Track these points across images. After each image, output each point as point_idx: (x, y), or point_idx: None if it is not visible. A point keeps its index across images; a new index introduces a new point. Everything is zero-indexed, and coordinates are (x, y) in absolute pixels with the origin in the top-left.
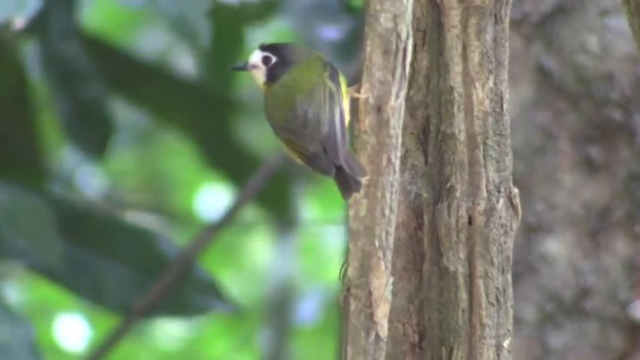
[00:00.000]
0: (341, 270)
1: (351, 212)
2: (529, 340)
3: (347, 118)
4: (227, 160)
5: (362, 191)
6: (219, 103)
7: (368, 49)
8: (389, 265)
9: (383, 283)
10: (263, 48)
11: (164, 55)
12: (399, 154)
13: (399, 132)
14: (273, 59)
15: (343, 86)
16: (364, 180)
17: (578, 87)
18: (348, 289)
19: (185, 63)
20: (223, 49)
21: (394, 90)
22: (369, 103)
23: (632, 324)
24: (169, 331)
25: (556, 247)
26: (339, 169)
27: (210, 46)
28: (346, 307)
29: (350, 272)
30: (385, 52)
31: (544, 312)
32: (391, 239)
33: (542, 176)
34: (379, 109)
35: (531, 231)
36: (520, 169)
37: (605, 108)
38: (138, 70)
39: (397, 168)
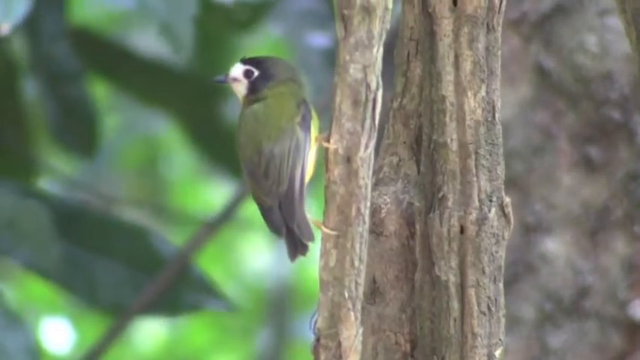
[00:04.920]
0: (311, 319)
1: (321, 262)
2: (528, 340)
3: (312, 168)
4: (219, 149)
5: (331, 241)
6: (210, 93)
7: (337, 99)
8: (359, 316)
9: (353, 334)
10: (245, 61)
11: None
12: (368, 204)
13: (369, 182)
14: (255, 73)
15: (314, 129)
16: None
17: (577, 87)
18: (318, 340)
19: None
20: (214, 39)
21: (363, 141)
22: (339, 154)
23: (631, 323)
24: (154, 332)
25: (555, 246)
26: (289, 230)
27: (197, 42)
28: (316, 357)
29: (320, 322)
30: (354, 103)
31: (543, 312)
32: (361, 289)
33: (541, 176)
34: (348, 159)
35: (530, 231)
36: (519, 168)
37: (604, 108)
38: (131, 62)
39: (367, 218)
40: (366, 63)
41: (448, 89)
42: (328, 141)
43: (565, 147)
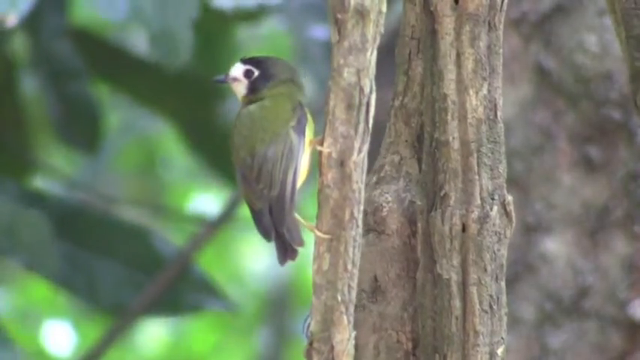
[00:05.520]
0: (304, 323)
1: (314, 266)
2: (528, 340)
3: (306, 171)
4: (217, 150)
5: (325, 245)
6: (208, 94)
7: (331, 103)
8: (351, 320)
9: (345, 338)
10: (245, 61)
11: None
12: (361, 208)
13: (362, 186)
14: (256, 73)
15: (309, 133)
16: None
17: (577, 86)
18: (311, 343)
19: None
20: (214, 39)
21: (357, 144)
22: (332, 158)
23: (631, 323)
24: (156, 334)
25: (555, 246)
26: (279, 234)
27: (198, 41)
28: None
29: (313, 326)
30: (348, 107)
31: (543, 311)
32: (354, 293)
33: (541, 176)
34: (342, 163)
35: (530, 230)
36: (519, 168)
37: (603, 107)
38: (129, 63)
39: (360, 222)
40: (359, 67)
41: (450, 87)
42: (322, 145)
43: (565, 147)
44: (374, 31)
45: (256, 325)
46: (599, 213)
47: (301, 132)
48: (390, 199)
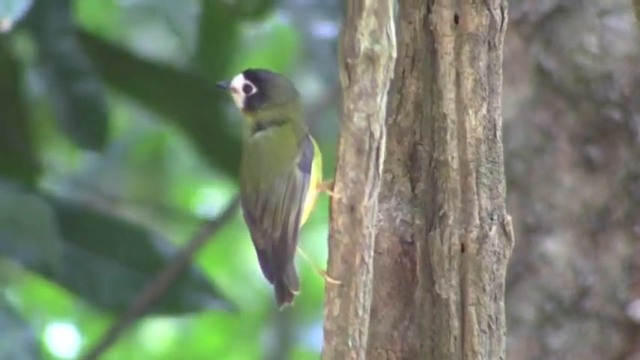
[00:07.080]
0: None
1: (325, 311)
2: (528, 340)
3: (311, 208)
4: (222, 153)
5: (335, 290)
6: (214, 96)
7: (341, 147)
8: None
9: None
10: (247, 75)
11: (162, 49)
12: (372, 253)
13: (372, 231)
14: (253, 90)
15: (316, 168)
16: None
17: (577, 87)
18: None
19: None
20: (218, 39)
21: (367, 189)
22: (343, 203)
23: (631, 324)
24: (160, 334)
25: (555, 247)
26: (279, 278)
27: (203, 39)
28: None
29: None
30: (358, 152)
31: (543, 312)
32: (364, 339)
33: (542, 176)
34: (352, 208)
35: (530, 231)
36: (519, 169)
37: (604, 108)
38: (133, 64)
39: (370, 267)
40: (369, 112)
41: (449, 107)
42: (332, 189)
43: (565, 147)
44: (384, 77)
45: (262, 326)
46: (599, 213)
47: (307, 169)
48: (381, 217)
